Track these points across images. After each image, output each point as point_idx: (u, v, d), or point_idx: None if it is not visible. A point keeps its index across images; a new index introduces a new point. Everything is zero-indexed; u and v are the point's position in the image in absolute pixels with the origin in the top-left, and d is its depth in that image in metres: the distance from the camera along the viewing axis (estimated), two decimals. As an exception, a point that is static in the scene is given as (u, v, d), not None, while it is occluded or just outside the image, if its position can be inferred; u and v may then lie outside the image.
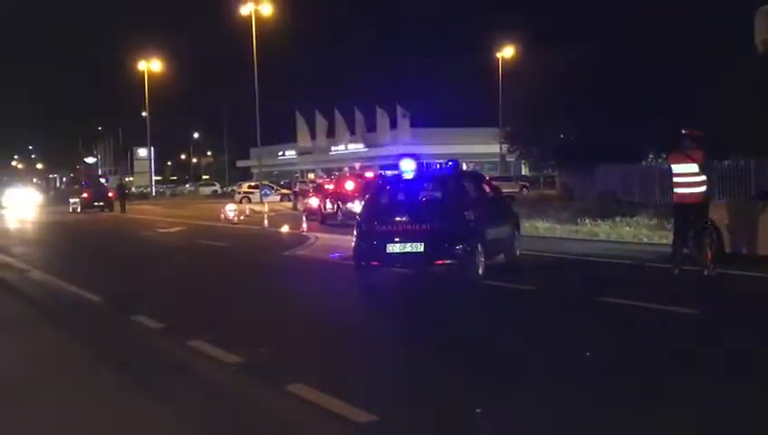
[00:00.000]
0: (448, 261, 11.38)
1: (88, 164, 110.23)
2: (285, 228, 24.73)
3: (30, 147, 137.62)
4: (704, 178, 11.56)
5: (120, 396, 6.44)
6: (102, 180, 50.39)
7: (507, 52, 60.39)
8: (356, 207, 25.33)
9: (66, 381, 6.92)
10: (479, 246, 11.67)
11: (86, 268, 16.61)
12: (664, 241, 15.02)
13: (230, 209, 31.53)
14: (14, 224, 35.58)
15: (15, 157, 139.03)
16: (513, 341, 8.10)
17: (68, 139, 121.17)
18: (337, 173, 52.52)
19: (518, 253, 14.13)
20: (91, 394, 6.49)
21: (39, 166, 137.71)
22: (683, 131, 11.73)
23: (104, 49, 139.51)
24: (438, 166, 13.11)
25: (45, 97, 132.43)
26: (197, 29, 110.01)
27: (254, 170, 79.26)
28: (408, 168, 12.30)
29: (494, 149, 55.32)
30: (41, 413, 5.95)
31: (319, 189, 34.15)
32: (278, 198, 51.96)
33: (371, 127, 77.10)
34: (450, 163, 13.07)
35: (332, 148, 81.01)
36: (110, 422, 5.70)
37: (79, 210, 44.53)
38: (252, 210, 36.15)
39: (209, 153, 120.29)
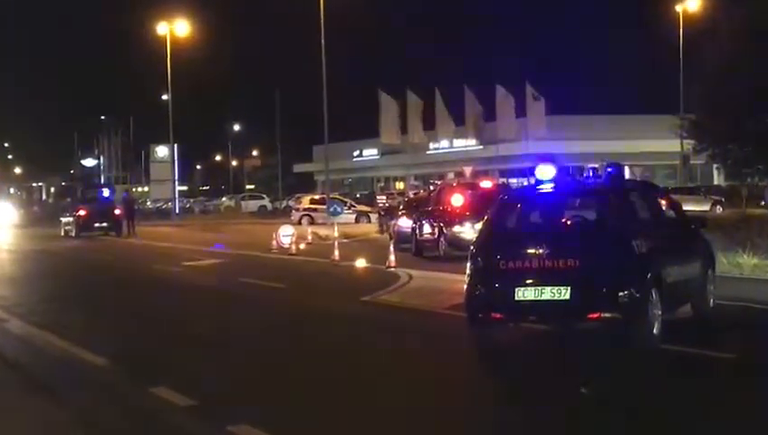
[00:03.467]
0: (607, 314, 11.17)
1: (86, 168, 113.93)
2: (363, 262, 24.90)
3: (5, 144, 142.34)
4: None
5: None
6: (105, 191, 51.42)
7: (691, 3, 59.22)
8: (466, 232, 25.45)
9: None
10: (653, 292, 11.48)
11: (83, 317, 17.02)
12: None
13: (285, 234, 31.98)
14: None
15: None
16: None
17: (59, 133, 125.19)
18: (438, 182, 52.69)
19: (711, 302, 13.89)
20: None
21: (18, 170, 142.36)
22: None
23: (110, 11, 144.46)
24: (591, 173, 12.94)
25: (30, 76, 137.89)
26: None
27: (319, 178, 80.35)
28: (546, 176, 12.21)
29: (672, 146, 54.36)
30: None
31: (411, 206, 34.30)
32: (353, 217, 52.48)
33: (489, 116, 76.73)
34: (609, 169, 12.90)
35: (431, 145, 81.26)
36: None
37: (73, 234, 45.89)
38: (315, 235, 36.57)
39: (255, 154, 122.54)
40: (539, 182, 12.40)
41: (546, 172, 12.28)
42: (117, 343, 13.28)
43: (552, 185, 12.33)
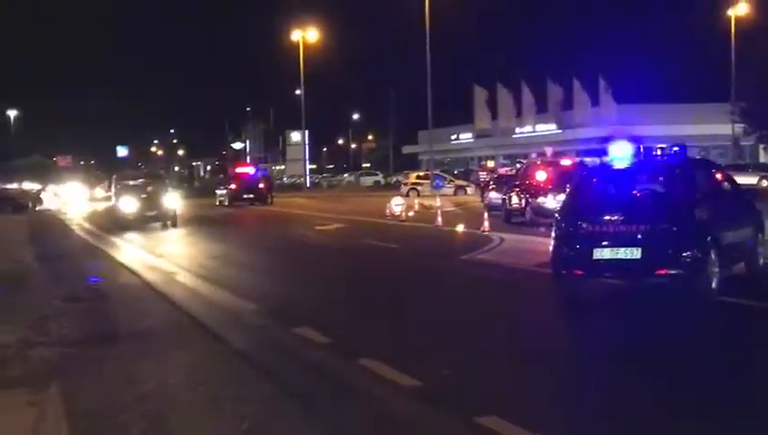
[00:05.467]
0: (672, 271, 11.01)
1: (235, 150, 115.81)
2: (462, 227, 24.86)
3: (171, 130, 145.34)
4: None
5: (291, 424, 6.69)
6: (251, 169, 52.16)
7: (741, 8, 57.27)
8: (548, 202, 25.15)
9: (228, 398, 7.28)
10: (712, 252, 11.24)
11: (237, 272, 17.42)
12: None
13: (396, 204, 32.05)
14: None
15: (155, 142, 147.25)
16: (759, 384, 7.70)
17: (214, 122, 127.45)
18: (523, 161, 52.16)
19: (761, 262, 13.52)
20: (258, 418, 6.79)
21: (180, 152, 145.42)
22: None
23: (252, 19, 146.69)
24: (659, 152, 12.68)
25: (187, 74, 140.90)
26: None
27: (423, 157, 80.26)
28: (620, 153, 12.02)
29: (724, 129, 52.93)
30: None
31: (501, 181, 34.12)
32: (452, 190, 52.37)
33: (566, 104, 75.75)
34: (677, 148, 12.63)
35: (517, 129, 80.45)
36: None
37: (226, 203, 46.86)
38: (421, 205, 36.60)
39: (370, 138, 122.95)
40: (613, 160, 12.23)
41: (620, 150, 12.11)
42: (266, 292, 13.57)
43: (627, 162, 12.17)
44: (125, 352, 9.43)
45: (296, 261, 19.11)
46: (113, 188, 33.17)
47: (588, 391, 7.48)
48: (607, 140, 12.70)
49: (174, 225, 29.48)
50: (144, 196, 30.13)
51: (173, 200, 31.21)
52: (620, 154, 12.10)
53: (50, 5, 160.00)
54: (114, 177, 36.84)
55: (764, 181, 50.77)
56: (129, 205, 29.80)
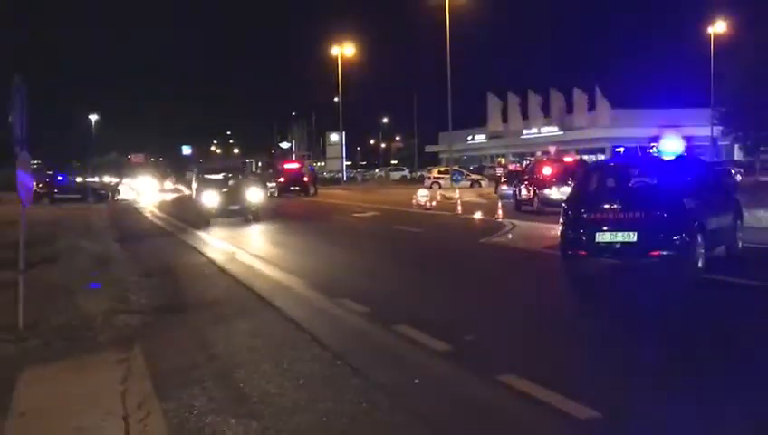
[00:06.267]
0: (664, 252, 10.91)
1: (282, 149, 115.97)
2: (479, 215, 24.79)
3: (228, 132, 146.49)
4: None
5: (339, 380, 6.72)
6: (296, 165, 52.25)
7: (719, 26, 56.50)
8: (553, 193, 25.04)
9: (285, 358, 7.32)
10: (699, 236, 11.15)
11: (285, 252, 17.46)
12: None
13: (422, 195, 32.08)
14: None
15: (215, 142, 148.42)
16: (735, 344, 7.66)
17: (263, 124, 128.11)
18: (530, 158, 51.79)
19: (740, 245, 13.41)
20: (310, 378, 6.82)
21: (236, 151, 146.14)
22: None
23: (298, 35, 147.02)
24: (655, 150, 12.58)
25: (242, 82, 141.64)
26: (390, 15, 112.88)
27: (443, 155, 79.95)
28: (671, 148, 12.03)
29: (705, 131, 52.21)
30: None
31: (512, 175, 34.00)
32: (468, 183, 52.15)
33: (568, 109, 75.29)
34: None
35: (525, 131, 80.00)
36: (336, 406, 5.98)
37: (276, 194, 46.91)
38: (443, 196, 36.51)
39: (398, 138, 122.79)
40: (666, 152, 12.17)
41: (674, 144, 12.14)
42: (313, 270, 13.61)
43: (677, 154, 12.17)
44: (195, 319, 9.52)
45: (337, 242, 19.09)
46: (194, 183, 27.87)
47: (592, 350, 7.48)
48: (656, 139, 12.58)
49: (257, 219, 25.37)
50: (226, 190, 25.58)
51: (256, 194, 26.31)
52: (672, 148, 12.11)
53: (122, 32, 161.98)
54: (195, 170, 32.93)
55: (739, 176, 50.40)
56: (211, 199, 24.85)
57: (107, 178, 65.35)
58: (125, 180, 67.53)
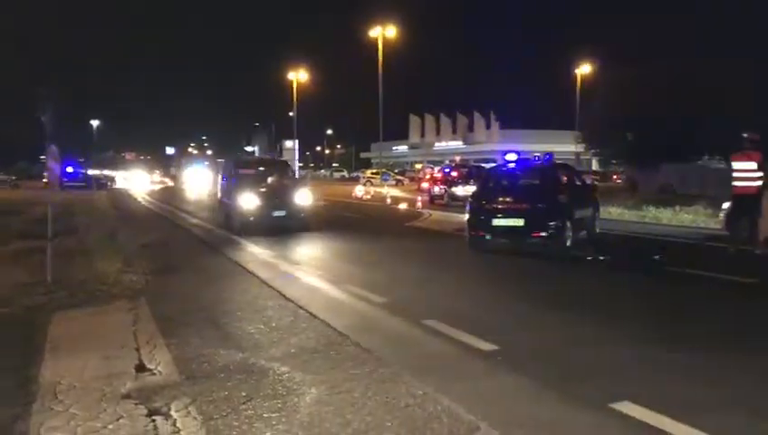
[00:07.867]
0: (543, 234, 11.26)
1: (248, 152, 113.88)
2: (403, 205, 25.02)
3: (203, 136, 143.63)
4: (761, 174, 11.03)
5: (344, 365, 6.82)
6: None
7: (585, 68, 58.21)
8: (458, 190, 25.47)
9: (291, 338, 7.38)
10: (568, 223, 11.53)
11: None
12: (720, 226, 14.36)
13: (359, 190, 32.17)
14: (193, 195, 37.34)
15: (192, 144, 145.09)
16: (587, 295, 8.08)
17: (232, 131, 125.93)
18: (442, 165, 52.31)
19: (597, 230, 13.91)
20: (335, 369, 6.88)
21: (209, 152, 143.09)
22: (744, 135, 11.23)
23: (262, 59, 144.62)
24: (537, 158, 12.98)
25: (217, 98, 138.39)
26: (337, 45, 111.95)
27: (374, 160, 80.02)
28: (511, 158, 12.35)
29: (571, 147, 53.83)
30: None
31: (429, 177, 34.41)
32: (394, 182, 52.40)
33: (470, 127, 76.40)
34: (546, 156, 12.93)
35: (437, 144, 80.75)
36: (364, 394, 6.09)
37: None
38: (376, 191, 36.62)
39: (339, 146, 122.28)
40: (507, 162, 12.49)
41: (511, 157, 12.41)
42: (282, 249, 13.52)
43: (513, 164, 12.43)
44: (187, 279, 9.47)
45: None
46: (220, 179, 18.69)
47: (492, 304, 7.69)
48: (504, 152, 12.98)
49: (306, 229, 15.56)
50: (265, 189, 15.69)
51: (305, 196, 16.28)
52: (512, 158, 12.45)
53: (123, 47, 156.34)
54: (224, 162, 22.90)
55: (595, 182, 52.11)
56: (250, 201, 15.17)
57: (106, 172, 63.41)
58: (120, 173, 65.67)
